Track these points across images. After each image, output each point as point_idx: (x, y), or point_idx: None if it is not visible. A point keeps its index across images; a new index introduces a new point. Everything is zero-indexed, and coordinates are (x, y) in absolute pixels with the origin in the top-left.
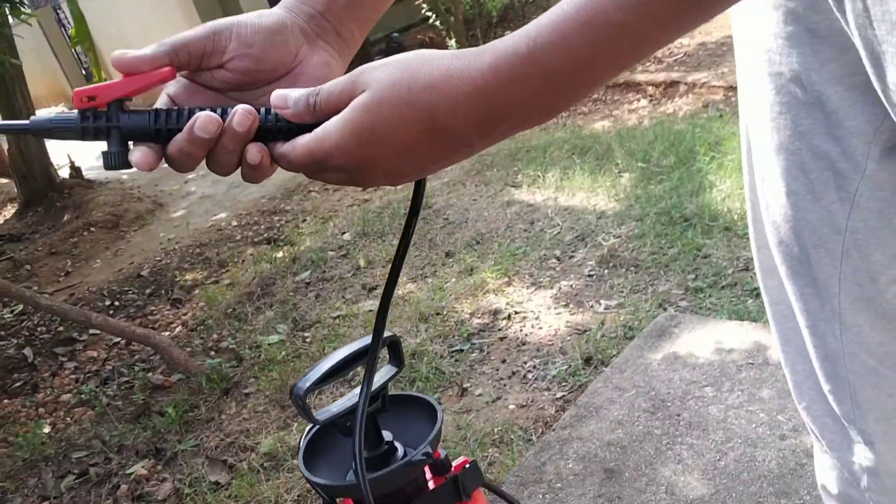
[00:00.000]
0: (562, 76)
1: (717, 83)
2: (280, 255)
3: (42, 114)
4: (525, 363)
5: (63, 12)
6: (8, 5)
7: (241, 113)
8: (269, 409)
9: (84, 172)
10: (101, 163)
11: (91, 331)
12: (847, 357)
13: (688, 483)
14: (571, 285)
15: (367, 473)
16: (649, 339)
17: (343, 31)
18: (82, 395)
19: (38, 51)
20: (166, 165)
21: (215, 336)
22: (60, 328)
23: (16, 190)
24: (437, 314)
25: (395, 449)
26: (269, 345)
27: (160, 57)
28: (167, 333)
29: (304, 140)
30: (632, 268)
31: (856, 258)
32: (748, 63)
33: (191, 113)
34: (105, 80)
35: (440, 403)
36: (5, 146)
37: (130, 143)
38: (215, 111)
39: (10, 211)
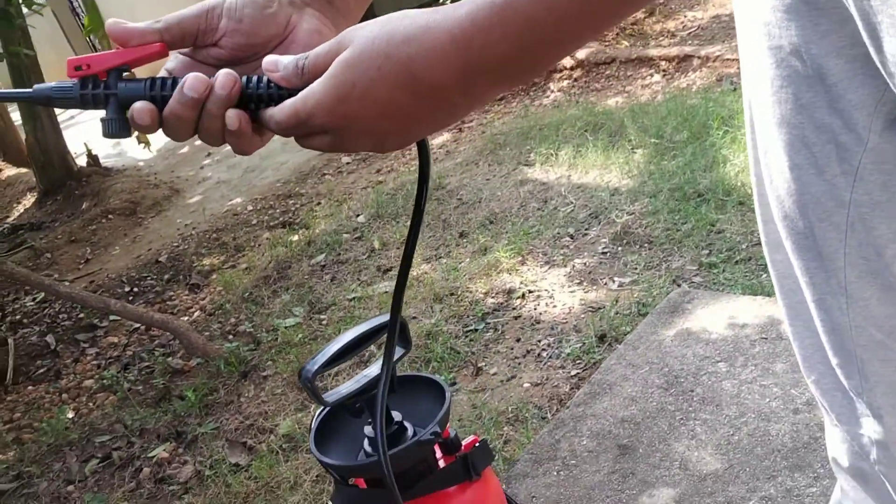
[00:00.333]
0: (540, 25)
1: (731, 56)
2: (295, 238)
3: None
4: (539, 342)
5: (77, 0)
6: None
7: (222, 75)
8: (287, 391)
9: (101, 160)
10: (117, 150)
11: (111, 317)
12: (854, 331)
13: (701, 458)
14: (585, 263)
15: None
16: (663, 315)
17: None
18: (104, 381)
19: (52, 39)
20: (179, 151)
21: (233, 320)
22: (81, 315)
23: (35, 179)
24: (452, 294)
25: (405, 429)
26: (285, 328)
27: (151, 32)
28: (186, 318)
29: (290, 101)
30: (645, 244)
31: (860, 231)
32: (748, 37)
33: None
34: None
35: (455, 383)
36: (23, 136)
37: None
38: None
39: (29, 200)
